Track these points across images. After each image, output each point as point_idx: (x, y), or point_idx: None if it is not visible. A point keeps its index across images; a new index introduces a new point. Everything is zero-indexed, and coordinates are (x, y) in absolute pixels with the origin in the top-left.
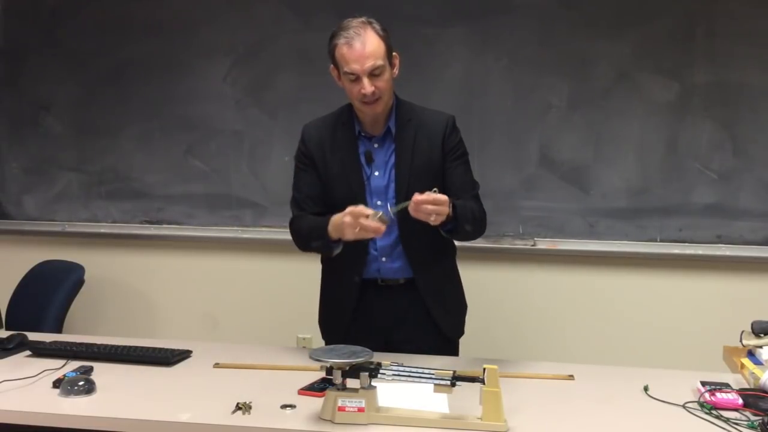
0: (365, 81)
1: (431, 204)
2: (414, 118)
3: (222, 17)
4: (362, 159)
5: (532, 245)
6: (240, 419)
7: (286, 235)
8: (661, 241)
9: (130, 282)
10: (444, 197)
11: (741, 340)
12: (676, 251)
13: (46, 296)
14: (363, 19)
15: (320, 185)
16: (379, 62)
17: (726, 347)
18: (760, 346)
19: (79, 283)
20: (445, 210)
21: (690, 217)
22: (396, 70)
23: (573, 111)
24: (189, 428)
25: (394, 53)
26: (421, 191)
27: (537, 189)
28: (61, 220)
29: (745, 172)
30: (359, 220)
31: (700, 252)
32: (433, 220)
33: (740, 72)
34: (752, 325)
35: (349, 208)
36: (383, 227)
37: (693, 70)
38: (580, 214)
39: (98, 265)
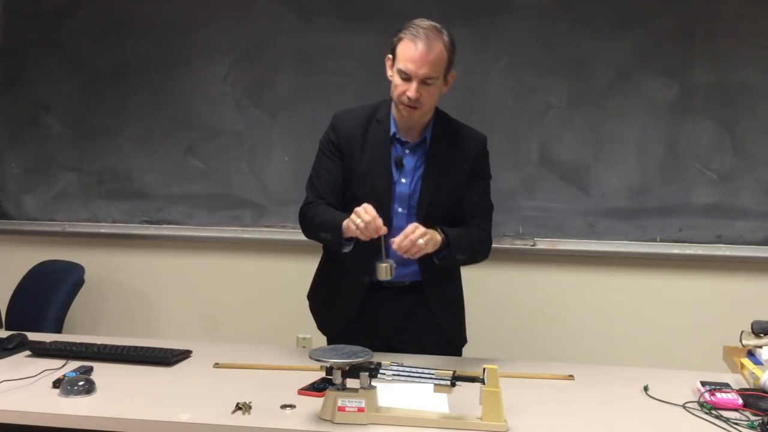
0: (414, 85)
1: (412, 237)
2: (449, 134)
3: (222, 17)
4: (392, 163)
5: (532, 245)
6: (240, 419)
7: (286, 235)
8: (661, 241)
9: (130, 282)
10: (413, 225)
11: (741, 340)
12: (676, 251)
13: (46, 296)
14: (438, 24)
15: (342, 176)
16: (434, 74)
17: (726, 347)
18: (760, 346)
19: (79, 283)
20: (435, 235)
21: (690, 217)
22: (447, 88)
23: (573, 111)
24: (189, 428)
25: (451, 71)
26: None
27: (537, 189)
28: (61, 220)
29: (745, 172)
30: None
31: (700, 252)
32: (426, 248)
33: (740, 72)
34: (752, 325)
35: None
36: (383, 228)
37: (693, 70)
38: (580, 214)
39: (98, 265)
